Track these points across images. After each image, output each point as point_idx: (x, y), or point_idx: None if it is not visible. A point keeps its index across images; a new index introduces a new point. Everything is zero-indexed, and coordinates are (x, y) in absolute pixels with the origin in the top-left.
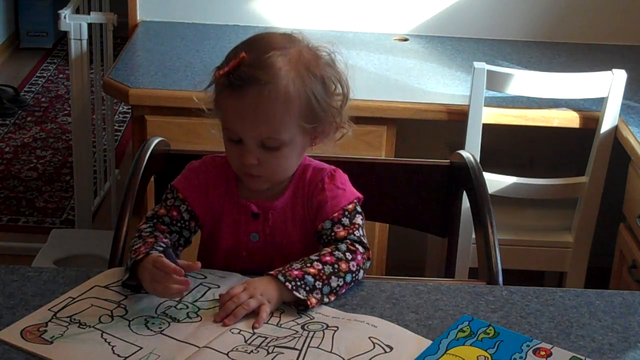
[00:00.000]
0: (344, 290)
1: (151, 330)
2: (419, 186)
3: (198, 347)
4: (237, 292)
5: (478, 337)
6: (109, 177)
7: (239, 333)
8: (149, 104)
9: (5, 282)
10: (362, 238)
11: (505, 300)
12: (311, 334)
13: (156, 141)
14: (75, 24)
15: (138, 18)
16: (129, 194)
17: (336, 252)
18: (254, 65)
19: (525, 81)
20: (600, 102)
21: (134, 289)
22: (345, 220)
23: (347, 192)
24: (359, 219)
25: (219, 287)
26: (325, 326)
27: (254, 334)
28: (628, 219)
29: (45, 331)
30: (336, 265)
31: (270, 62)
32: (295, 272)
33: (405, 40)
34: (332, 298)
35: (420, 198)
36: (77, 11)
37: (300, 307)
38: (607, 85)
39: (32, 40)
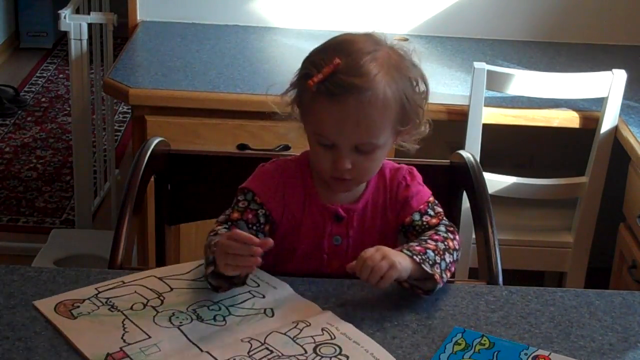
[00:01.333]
0: (453, 269)
1: (172, 323)
2: None
3: (201, 350)
4: (371, 253)
5: (475, 349)
6: (109, 177)
7: (248, 342)
8: (149, 104)
9: (5, 282)
10: (452, 223)
11: (505, 300)
12: (317, 358)
13: (156, 141)
14: (75, 24)
15: (138, 18)
16: (129, 194)
17: (440, 233)
18: (351, 73)
19: (525, 81)
20: (600, 102)
21: (214, 288)
22: (431, 211)
23: (425, 188)
24: (440, 208)
25: (263, 297)
26: (338, 351)
27: (262, 344)
28: (628, 219)
29: (78, 307)
30: (445, 243)
31: (366, 69)
32: (418, 248)
33: (406, 40)
34: (448, 275)
35: None
36: (77, 11)
37: (419, 291)
38: (607, 85)
39: (32, 40)
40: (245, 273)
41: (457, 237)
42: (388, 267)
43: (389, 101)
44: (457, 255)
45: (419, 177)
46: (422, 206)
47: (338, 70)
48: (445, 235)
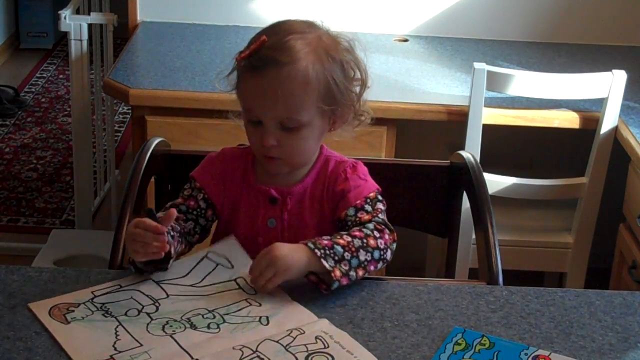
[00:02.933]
0: (372, 268)
1: (164, 332)
2: (419, 186)
3: (192, 358)
4: (259, 257)
5: (475, 349)
6: (109, 177)
7: (240, 349)
8: (149, 104)
9: (5, 282)
10: (386, 221)
11: (505, 300)
12: None
13: (156, 142)
14: (75, 25)
15: (138, 19)
16: (129, 195)
17: (364, 230)
18: (274, 48)
19: (525, 82)
20: (600, 102)
21: (138, 271)
22: (368, 207)
23: (369, 183)
24: (380, 205)
25: (260, 305)
26: None
27: (253, 352)
28: (628, 219)
29: (73, 311)
30: (365, 240)
31: (289, 45)
32: (325, 242)
33: (405, 40)
34: (361, 273)
35: (420, 198)
36: (77, 12)
37: (324, 286)
38: (607, 85)
39: (32, 41)
40: (155, 257)
41: (385, 236)
42: (272, 274)
43: (310, 78)
44: (380, 254)
45: (362, 170)
46: (359, 201)
47: (263, 46)
48: (368, 232)
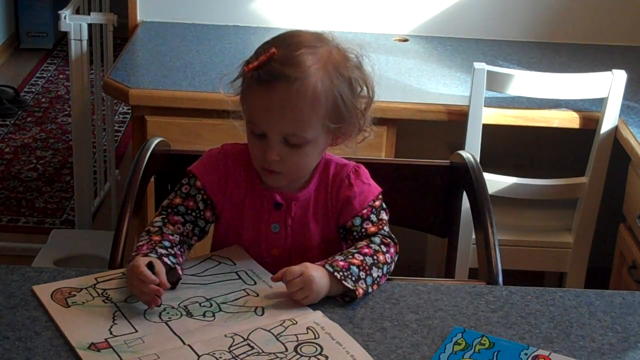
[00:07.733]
0: (382, 282)
1: (160, 319)
2: (419, 186)
3: (184, 343)
4: (292, 277)
5: (475, 349)
6: (109, 177)
7: (231, 337)
8: (149, 104)
9: (5, 282)
10: (390, 233)
11: (505, 300)
12: (295, 357)
13: (156, 141)
14: (75, 25)
15: (138, 18)
16: (129, 194)
17: (372, 245)
18: (284, 62)
19: (525, 82)
20: (600, 102)
21: None
22: (373, 217)
23: (372, 187)
24: (384, 215)
25: (257, 295)
26: (318, 351)
27: (244, 339)
28: (628, 219)
29: (74, 295)
30: (375, 257)
31: (300, 60)
32: (341, 263)
33: (406, 40)
34: (375, 288)
35: (420, 198)
36: (77, 12)
37: (346, 298)
38: (607, 85)
39: (32, 41)
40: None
41: (391, 249)
42: (302, 297)
43: (319, 95)
44: (388, 268)
45: (365, 174)
46: (365, 210)
47: (273, 59)
48: (377, 248)
